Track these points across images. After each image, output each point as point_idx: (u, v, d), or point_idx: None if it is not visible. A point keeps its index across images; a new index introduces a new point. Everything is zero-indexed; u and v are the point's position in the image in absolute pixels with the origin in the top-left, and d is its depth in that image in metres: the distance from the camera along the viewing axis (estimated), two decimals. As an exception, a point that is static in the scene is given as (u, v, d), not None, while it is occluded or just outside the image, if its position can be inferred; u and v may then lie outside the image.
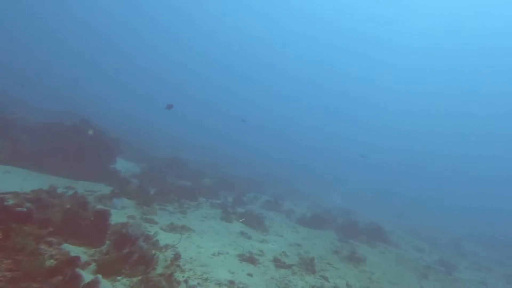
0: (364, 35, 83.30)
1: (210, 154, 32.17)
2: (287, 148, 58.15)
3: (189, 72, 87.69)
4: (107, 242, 5.43)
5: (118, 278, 4.44)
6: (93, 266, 4.52)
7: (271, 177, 26.41)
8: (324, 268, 8.80)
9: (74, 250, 4.80)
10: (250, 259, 7.70)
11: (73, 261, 4.05)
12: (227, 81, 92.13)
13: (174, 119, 51.17)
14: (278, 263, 8.11)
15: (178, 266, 5.96)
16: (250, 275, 6.84)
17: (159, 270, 5.38)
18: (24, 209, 4.58)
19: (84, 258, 4.63)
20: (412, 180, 54.87)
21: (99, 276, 3.87)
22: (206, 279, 5.88)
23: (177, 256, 6.15)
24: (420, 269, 11.29)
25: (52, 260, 4.10)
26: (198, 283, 5.61)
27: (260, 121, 75.07)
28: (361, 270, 9.46)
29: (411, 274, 10.38)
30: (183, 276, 5.57)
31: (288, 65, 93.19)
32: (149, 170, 13.66)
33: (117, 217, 7.48)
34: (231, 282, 6.06)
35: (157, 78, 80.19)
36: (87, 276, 3.90)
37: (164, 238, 7.23)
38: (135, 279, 4.46)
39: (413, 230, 19.96)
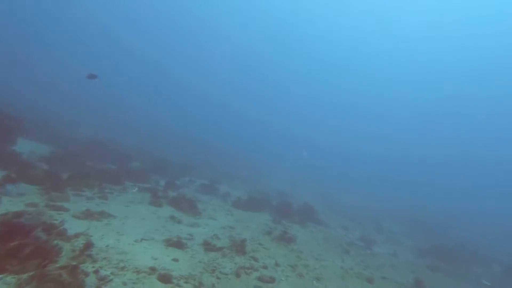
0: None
1: (145, 137, 30.27)
2: (228, 134, 58.00)
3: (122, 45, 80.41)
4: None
5: (0, 276, 3.73)
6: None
7: (210, 162, 26.01)
8: (256, 249, 8.92)
9: None
10: (177, 244, 7.37)
11: None
12: (162, 61, 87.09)
13: (106, 96, 46.80)
14: (208, 246, 7.93)
15: (90, 256, 5.35)
16: (175, 260, 6.54)
17: (63, 262, 4.73)
18: None
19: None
20: (345, 159, 60.10)
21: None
22: (123, 268, 5.40)
23: (88, 245, 5.51)
24: (344, 245, 12.28)
25: None
26: (112, 273, 5.11)
27: (202, 106, 73.50)
28: (290, 249, 9.86)
29: (335, 250, 11.22)
30: (93, 267, 5.00)
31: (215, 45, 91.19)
32: (63, 152, 12.08)
33: (10, 206, 6.41)
34: (152, 269, 5.68)
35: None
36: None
37: (76, 226, 6.45)
38: (24, 276, 3.80)
39: (341, 211, 21.70)
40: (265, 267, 7.75)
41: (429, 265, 12.55)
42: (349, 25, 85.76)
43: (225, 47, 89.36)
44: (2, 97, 21.07)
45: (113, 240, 6.53)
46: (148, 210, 9.45)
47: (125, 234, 7.01)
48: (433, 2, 74.97)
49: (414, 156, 70.77)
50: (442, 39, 77.66)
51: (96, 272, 4.84)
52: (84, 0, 66.97)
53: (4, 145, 9.43)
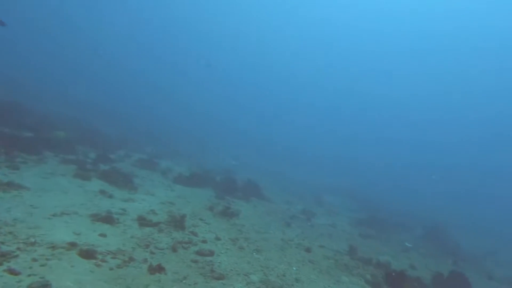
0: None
1: (80, 106, 27.22)
2: (175, 109, 55.47)
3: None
4: None
5: None
6: None
7: (152, 136, 24.49)
8: (196, 224, 8.61)
9: None
10: (106, 219, 6.69)
11: None
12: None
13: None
14: (143, 221, 7.39)
15: (-12, 231, 4.49)
16: (102, 235, 5.91)
17: None
18: None
19: None
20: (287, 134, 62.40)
21: None
22: (34, 243, 4.66)
23: (-14, 219, 4.62)
24: (286, 219, 12.64)
25: None
26: (19, 248, 4.37)
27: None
28: (232, 223, 9.76)
29: (277, 224, 11.48)
30: (-9, 242, 4.20)
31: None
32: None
33: None
34: (72, 244, 5.03)
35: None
36: None
37: (-29, 197, 5.39)
38: None
39: (287, 186, 22.40)
40: (204, 241, 7.52)
41: (362, 233, 13.66)
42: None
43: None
44: None
45: (24, 213, 5.63)
46: (72, 183, 8.43)
47: (40, 208, 6.11)
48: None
49: (363, 137, 76.31)
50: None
51: (-6, 248, 4.07)
52: None
53: None
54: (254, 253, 7.85)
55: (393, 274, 7.74)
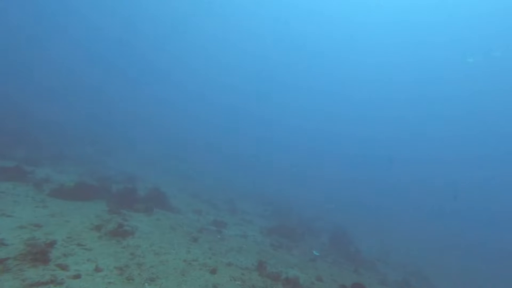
0: None
1: None
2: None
3: None
4: None
5: None
6: None
7: (28, 136, 20.13)
8: (69, 252, 6.81)
9: None
10: None
11: None
12: None
13: None
14: (-23, 259, 5.33)
15: None
16: None
17: None
18: None
19: None
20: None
21: None
22: None
23: None
24: (193, 232, 11.50)
25: None
26: None
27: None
28: (124, 245, 8.18)
29: (182, 240, 10.25)
30: None
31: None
32: None
33: None
34: None
35: None
36: None
37: None
38: None
39: (198, 193, 21.15)
40: (77, 277, 5.88)
41: (273, 243, 13.45)
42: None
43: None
44: None
45: None
46: None
47: None
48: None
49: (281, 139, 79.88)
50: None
51: None
52: None
53: None
54: (146, 284, 6.54)
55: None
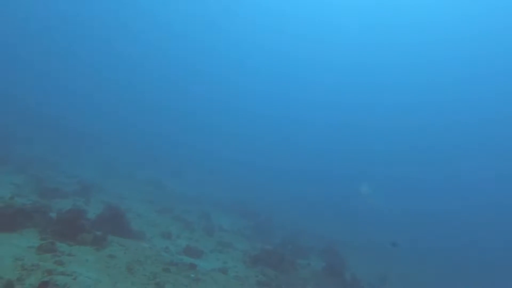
0: None
1: None
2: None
3: None
4: None
5: None
6: None
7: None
8: None
9: None
10: None
11: None
12: None
13: None
14: None
15: None
16: None
17: None
18: None
19: None
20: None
21: None
22: None
23: None
24: (158, 272, 8.93)
25: None
26: None
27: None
28: (48, 316, 5.51)
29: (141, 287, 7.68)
30: None
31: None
32: None
33: None
34: None
35: None
36: None
37: None
38: None
39: (168, 207, 18.41)
40: None
41: (259, 280, 11.09)
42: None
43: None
44: None
45: None
46: None
47: None
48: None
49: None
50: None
51: None
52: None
53: None
54: None
55: None
